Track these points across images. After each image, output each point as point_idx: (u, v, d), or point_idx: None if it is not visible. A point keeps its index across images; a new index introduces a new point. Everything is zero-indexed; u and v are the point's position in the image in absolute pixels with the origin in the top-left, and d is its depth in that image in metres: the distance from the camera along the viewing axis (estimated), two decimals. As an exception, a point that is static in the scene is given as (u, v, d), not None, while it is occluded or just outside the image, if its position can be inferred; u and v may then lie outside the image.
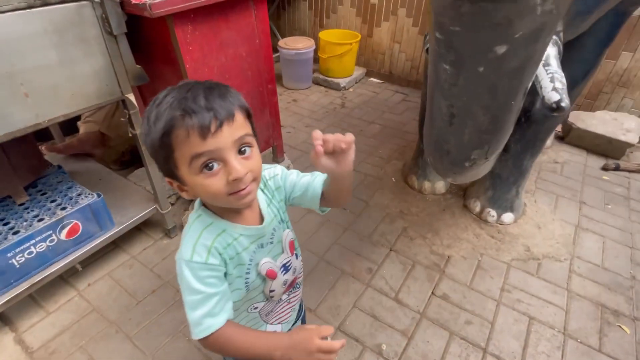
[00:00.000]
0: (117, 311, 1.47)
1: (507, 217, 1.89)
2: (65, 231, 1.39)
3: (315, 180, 0.74)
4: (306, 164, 2.38)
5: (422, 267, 1.68)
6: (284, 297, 0.81)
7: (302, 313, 0.96)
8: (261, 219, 0.69)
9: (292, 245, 0.77)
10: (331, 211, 1.98)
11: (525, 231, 1.87)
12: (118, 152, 2.27)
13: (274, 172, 0.74)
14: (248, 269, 0.68)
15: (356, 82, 3.57)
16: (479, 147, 1.00)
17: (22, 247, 1.28)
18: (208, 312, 0.60)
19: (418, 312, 1.49)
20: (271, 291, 0.74)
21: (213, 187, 0.56)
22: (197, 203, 0.67)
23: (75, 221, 1.41)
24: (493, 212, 1.89)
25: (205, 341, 0.61)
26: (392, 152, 2.52)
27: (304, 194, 0.74)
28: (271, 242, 0.71)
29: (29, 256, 1.31)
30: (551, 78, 0.87)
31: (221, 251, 0.63)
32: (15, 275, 1.30)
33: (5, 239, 1.27)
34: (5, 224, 1.33)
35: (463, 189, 2.13)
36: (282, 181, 0.74)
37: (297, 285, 0.84)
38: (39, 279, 1.34)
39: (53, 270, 1.38)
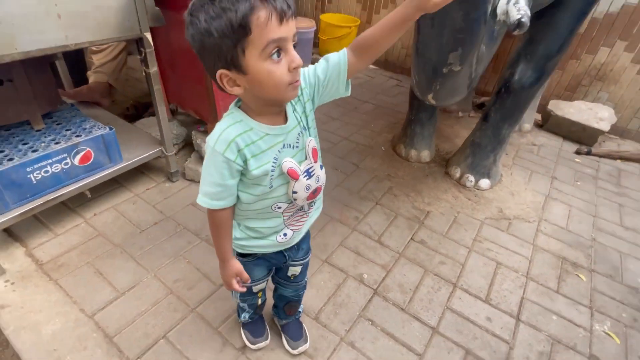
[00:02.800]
0: (121, 237, 1.59)
1: (484, 182, 2.06)
2: (78, 157, 1.51)
3: (333, 56, 0.75)
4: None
5: (404, 218, 1.84)
6: (305, 206, 0.86)
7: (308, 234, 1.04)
8: (286, 121, 0.75)
9: (315, 152, 0.80)
10: (324, 170, 2.13)
11: (499, 196, 2.04)
12: (122, 107, 2.38)
13: (303, 74, 0.76)
14: (273, 166, 0.74)
15: (353, 66, 3.71)
16: (454, 49, 1.21)
17: (39, 165, 1.39)
18: (210, 194, 0.75)
19: (397, 252, 1.64)
20: (294, 192, 0.78)
21: (278, 73, 0.61)
22: (231, 105, 0.74)
23: (88, 149, 1.52)
24: (471, 178, 2.06)
25: (203, 207, 0.77)
26: (383, 127, 2.67)
27: (330, 74, 0.75)
28: (296, 146, 0.76)
29: (45, 174, 1.42)
30: (518, 8, 1.03)
31: (242, 147, 0.69)
32: (31, 191, 1.40)
33: (25, 155, 1.38)
34: (24, 144, 1.44)
35: (445, 159, 2.30)
36: (305, 80, 0.76)
37: (318, 199, 0.89)
38: (52, 197, 1.45)
39: (65, 191, 1.49)
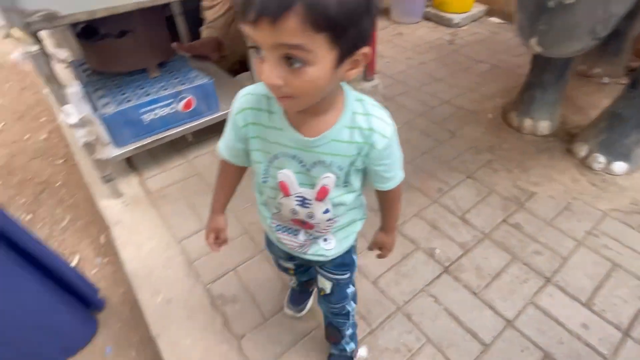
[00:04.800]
0: (214, 178, 1.75)
1: (619, 166, 1.64)
2: (182, 103, 1.68)
3: (381, 184, 0.70)
4: (396, 92, 2.35)
5: (499, 197, 1.60)
6: (293, 229, 0.76)
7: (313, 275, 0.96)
8: (317, 135, 0.61)
9: (323, 191, 0.66)
10: (411, 136, 1.97)
11: (637, 185, 1.61)
12: (229, 62, 2.54)
13: (379, 137, 0.61)
14: (265, 168, 0.67)
15: (473, 21, 3.26)
16: None
17: (150, 107, 1.60)
18: (223, 139, 0.72)
19: (482, 232, 1.45)
20: (279, 203, 0.70)
21: (260, 74, 0.49)
22: None
23: (190, 96, 1.68)
24: (602, 158, 1.66)
25: None
26: (496, 91, 2.32)
27: (367, 176, 0.70)
28: (306, 168, 0.64)
29: (154, 117, 1.63)
30: None
31: (250, 121, 0.65)
32: (144, 130, 1.63)
33: (139, 98, 1.59)
34: (141, 89, 1.66)
35: (571, 134, 1.88)
36: (371, 152, 0.63)
37: (323, 240, 0.77)
38: (160, 137, 1.66)
39: (170, 133, 1.69)
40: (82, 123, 1.35)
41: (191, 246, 1.43)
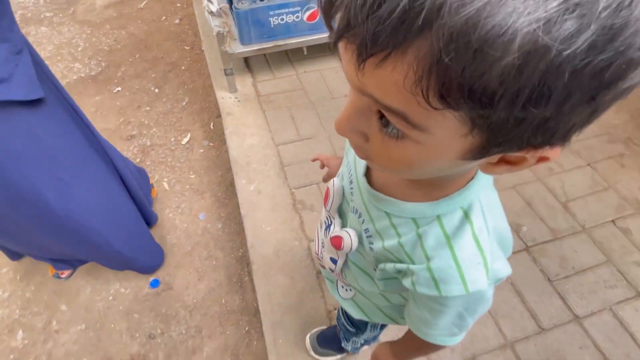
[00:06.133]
0: (316, 96, 1.81)
1: None
2: (307, 13, 1.69)
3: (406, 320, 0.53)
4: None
5: (617, 195, 1.42)
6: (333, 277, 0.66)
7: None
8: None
9: (336, 242, 0.52)
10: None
11: None
12: None
13: (427, 279, 0.39)
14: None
15: None
16: None
17: (279, 11, 1.64)
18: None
19: (582, 226, 1.33)
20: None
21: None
22: None
23: (316, 7, 1.67)
24: None
25: None
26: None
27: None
28: (351, 211, 0.51)
29: (280, 22, 1.68)
30: None
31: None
32: (268, 33, 1.70)
33: (270, 2, 1.64)
34: (273, -9, 1.70)
35: None
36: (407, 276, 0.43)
37: (351, 293, 0.66)
38: (281, 43, 1.72)
39: (291, 42, 1.74)
40: (219, 13, 1.45)
41: (285, 152, 1.55)
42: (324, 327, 1.08)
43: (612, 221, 1.34)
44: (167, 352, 1.27)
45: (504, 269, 0.41)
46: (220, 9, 1.41)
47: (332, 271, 0.58)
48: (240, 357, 1.26)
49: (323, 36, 1.78)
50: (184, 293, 1.39)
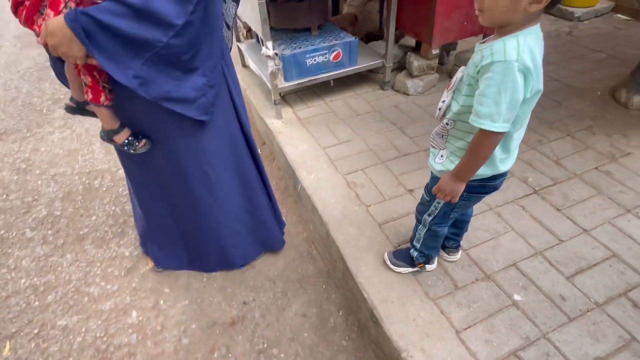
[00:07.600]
0: (345, 115, 2.27)
1: None
2: (333, 54, 2.22)
3: (472, 114, 0.87)
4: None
5: (595, 152, 1.82)
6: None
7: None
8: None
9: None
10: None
11: None
12: (362, 31, 3.05)
13: (489, 53, 0.81)
14: None
15: (596, 16, 3.30)
16: None
17: (311, 55, 2.16)
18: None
19: (573, 173, 1.70)
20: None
21: None
22: None
23: (339, 50, 2.21)
24: None
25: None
26: (609, 75, 2.44)
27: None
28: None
29: (313, 62, 2.20)
30: None
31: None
32: (304, 71, 2.21)
33: (306, 47, 2.17)
34: (306, 41, 2.25)
35: (684, 112, 1.98)
36: (481, 62, 0.83)
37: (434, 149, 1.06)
38: (314, 78, 2.23)
39: (321, 77, 2.24)
40: (273, 57, 1.96)
41: (331, 152, 1.96)
42: (398, 246, 1.41)
43: (596, 168, 1.72)
44: (261, 312, 1.53)
45: (528, 60, 0.79)
46: (275, 52, 1.92)
47: (438, 112, 1.00)
48: (323, 307, 1.53)
49: (345, 70, 2.30)
50: (265, 269, 1.68)
